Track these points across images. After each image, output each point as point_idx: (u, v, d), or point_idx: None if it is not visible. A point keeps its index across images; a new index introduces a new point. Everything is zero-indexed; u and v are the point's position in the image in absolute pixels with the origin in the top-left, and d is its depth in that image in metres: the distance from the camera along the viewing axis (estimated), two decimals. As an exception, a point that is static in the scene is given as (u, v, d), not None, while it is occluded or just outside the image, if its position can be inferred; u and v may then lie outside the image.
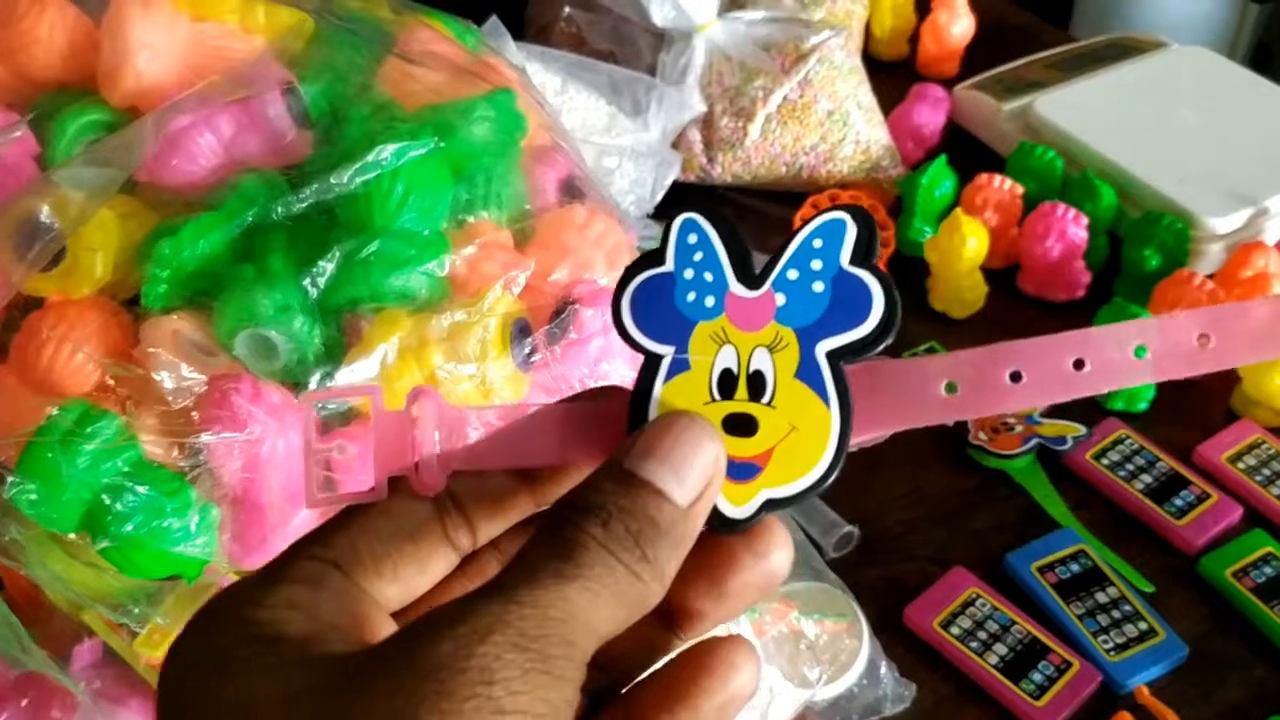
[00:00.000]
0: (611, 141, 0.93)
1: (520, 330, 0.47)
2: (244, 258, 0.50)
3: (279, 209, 0.49)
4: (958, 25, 1.11)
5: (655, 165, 0.94)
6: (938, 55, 1.12)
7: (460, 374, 0.45)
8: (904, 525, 0.77)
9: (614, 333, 0.46)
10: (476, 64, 0.58)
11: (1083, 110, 0.98)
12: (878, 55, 1.16)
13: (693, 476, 0.27)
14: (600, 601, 0.25)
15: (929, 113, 1.02)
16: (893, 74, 1.15)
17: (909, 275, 0.92)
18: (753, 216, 0.99)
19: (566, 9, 1.02)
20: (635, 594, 0.26)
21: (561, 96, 0.93)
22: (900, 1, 1.13)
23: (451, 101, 0.52)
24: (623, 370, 0.47)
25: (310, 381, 0.46)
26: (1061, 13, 1.89)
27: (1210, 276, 0.85)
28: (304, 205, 0.49)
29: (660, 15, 0.94)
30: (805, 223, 0.29)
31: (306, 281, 0.48)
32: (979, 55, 1.13)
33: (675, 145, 0.97)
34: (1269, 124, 0.96)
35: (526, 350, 0.46)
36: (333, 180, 0.48)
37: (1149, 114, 0.98)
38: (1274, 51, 1.86)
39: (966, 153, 1.03)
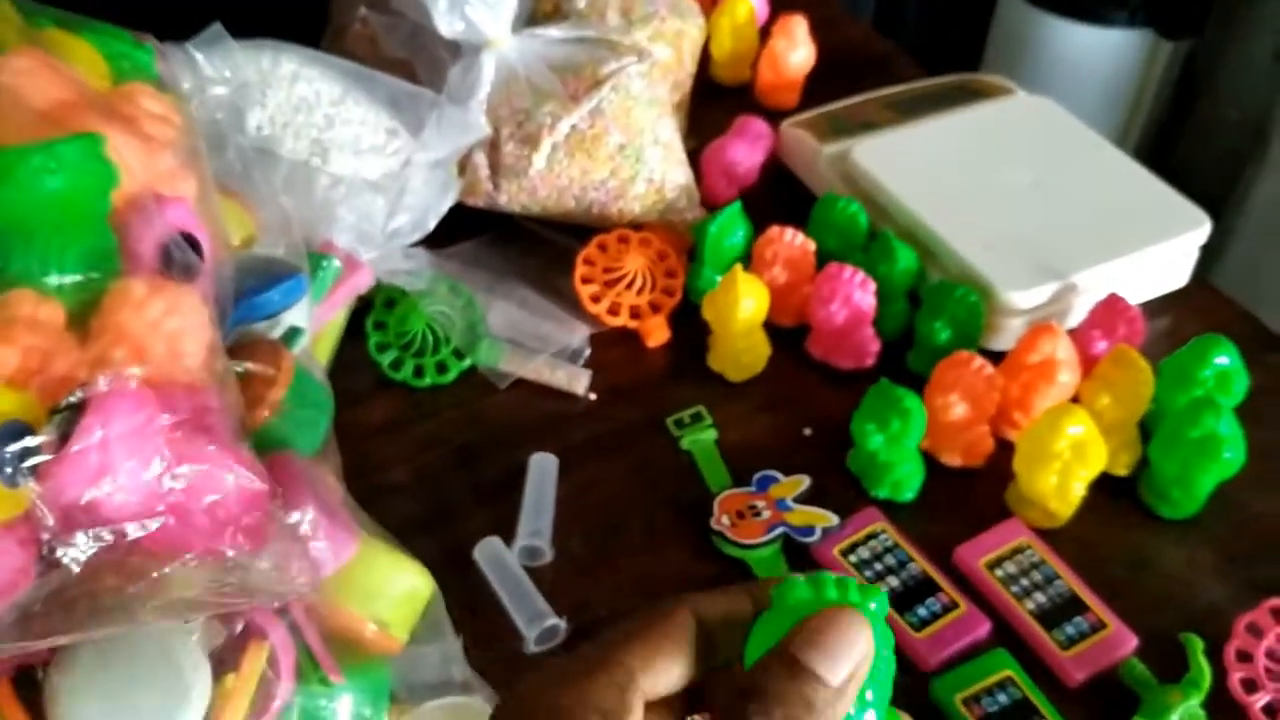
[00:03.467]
0: (386, 161, 0.86)
1: (10, 434, 0.40)
2: None
3: None
4: (796, 54, 1.03)
5: (429, 188, 0.86)
6: (775, 84, 1.05)
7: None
8: (624, 617, 0.70)
9: (115, 448, 0.39)
10: (83, 100, 0.51)
11: (902, 159, 0.91)
12: (718, 79, 1.09)
13: (844, 662, 0.34)
14: None
15: (746, 150, 0.95)
16: (733, 99, 1.09)
17: (694, 330, 0.85)
18: (544, 250, 0.92)
19: (362, 9, 0.94)
20: None
21: (338, 108, 0.86)
22: (741, 24, 1.06)
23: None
24: (123, 494, 0.40)
25: None
26: (975, 45, 1.82)
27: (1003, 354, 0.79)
28: None
29: (448, 26, 0.86)
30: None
31: None
32: (826, 85, 1.07)
33: (461, 167, 0.89)
34: (1098, 190, 0.89)
35: (8, 459, 0.39)
36: None
37: (972, 168, 0.91)
38: (1200, 88, 1.80)
39: (788, 195, 0.96)
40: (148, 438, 0.40)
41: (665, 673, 0.37)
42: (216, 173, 0.67)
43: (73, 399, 0.40)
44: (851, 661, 0.34)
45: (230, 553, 0.41)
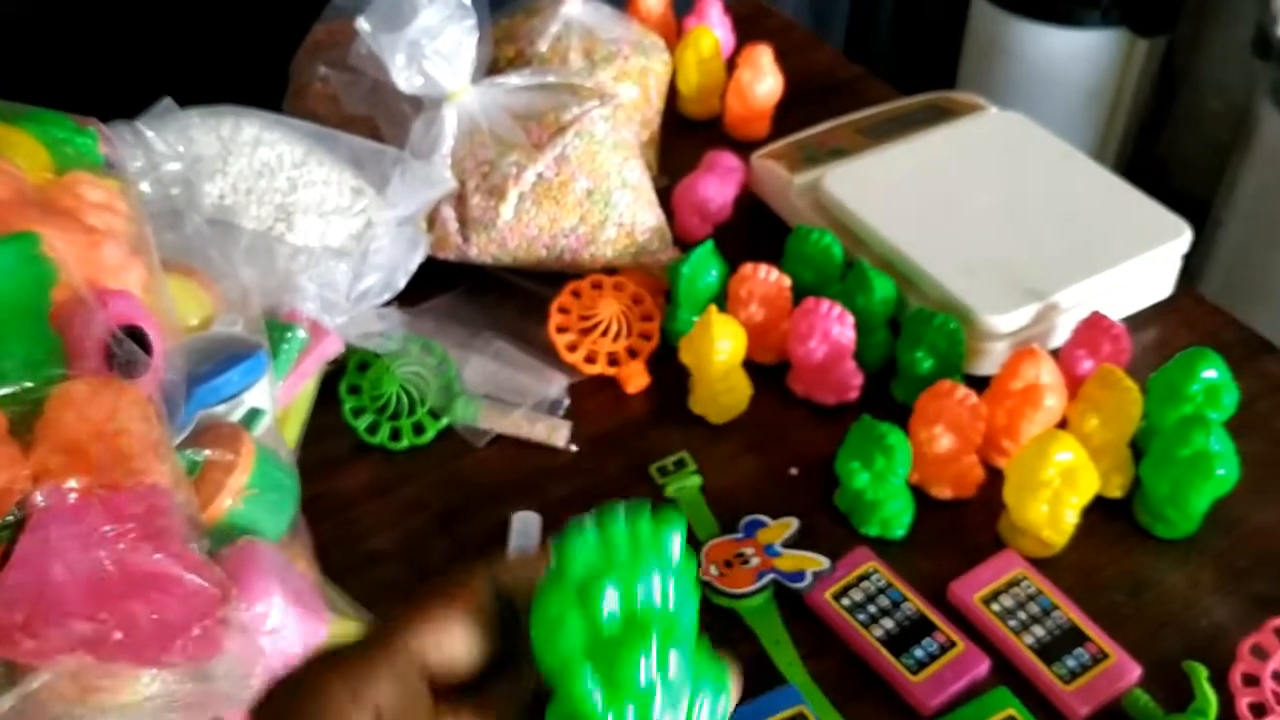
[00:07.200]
0: (352, 221, 0.85)
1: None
2: None
3: None
4: (762, 85, 1.02)
5: (397, 246, 0.85)
6: (744, 116, 1.04)
7: None
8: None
9: (54, 566, 0.38)
10: (19, 197, 0.49)
11: (873, 186, 0.90)
12: (686, 113, 1.08)
13: None
14: None
15: (717, 185, 0.93)
16: (703, 133, 1.08)
17: (674, 373, 0.84)
18: (518, 299, 0.90)
19: (322, 68, 0.93)
20: None
21: (301, 170, 0.85)
22: (706, 57, 1.05)
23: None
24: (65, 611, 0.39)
25: None
26: (950, 56, 1.82)
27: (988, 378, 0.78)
28: None
29: (406, 82, 0.85)
30: None
31: None
32: (796, 112, 1.06)
33: (430, 222, 0.88)
34: (1075, 204, 0.88)
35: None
36: None
37: (945, 190, 0.90)
38: (1179, 82, 1.79)
39: (764, 227, 0.95)
40: (89, 550, 0.39)
41: (457, 651, 0.33)
42: (174, 250, 0.66)
43: (10, 517, 0.39)
44: None
45: (179, 663, 0.40)
